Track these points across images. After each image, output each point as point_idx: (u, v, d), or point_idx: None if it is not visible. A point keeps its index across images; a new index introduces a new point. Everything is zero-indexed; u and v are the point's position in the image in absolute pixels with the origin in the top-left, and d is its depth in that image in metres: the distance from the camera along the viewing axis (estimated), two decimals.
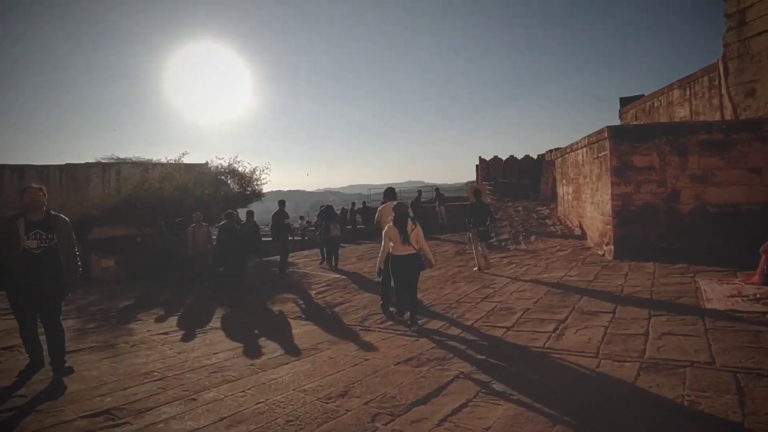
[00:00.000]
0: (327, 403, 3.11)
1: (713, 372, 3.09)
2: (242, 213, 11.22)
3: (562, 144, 13.10)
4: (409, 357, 3.99)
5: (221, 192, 14.07)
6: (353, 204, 20.07)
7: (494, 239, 10.37)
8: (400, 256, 4.90)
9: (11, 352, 4.65)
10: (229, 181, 15.11)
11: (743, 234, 6.82)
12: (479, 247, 8.11)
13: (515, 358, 3.75)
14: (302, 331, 5.45)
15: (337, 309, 6.47)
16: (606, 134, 7.98)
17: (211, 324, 6.15)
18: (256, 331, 5.71)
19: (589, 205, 9.43)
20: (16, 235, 3.67)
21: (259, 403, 3.18)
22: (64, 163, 18.73)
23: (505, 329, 4.55)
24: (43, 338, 3.94)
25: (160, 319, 6.59)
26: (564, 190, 12.58)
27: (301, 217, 22.03)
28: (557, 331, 4.28)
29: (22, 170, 17.72)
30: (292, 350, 4.61)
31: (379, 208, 6.14)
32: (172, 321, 6.48)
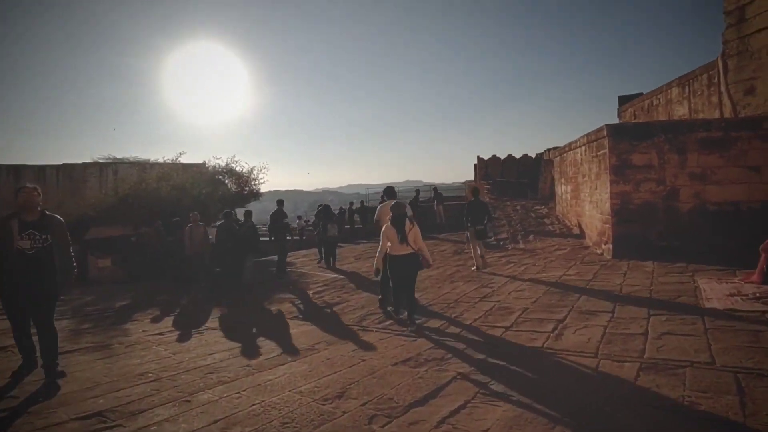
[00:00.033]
0: (323, 404, 3.07)
1: (713, 372, 3.05)
2: (240, 213, 11.17)
3: (561, 143, 13.07)
4: (407, 357, 3.95)
5: (219, 192, 14.01)
6: (351, 203, 20.03)
7: (492, 238, 10.34)
8: (397, 256, 4.86)
9: (5, 353, 4.61)
10: (226, 181, 15.04)
11: (743, 232, 6.80)
12: (477, 247, 8.08)
13: (514, 358, 3.71)
14: (299, 332, 5.41)
15: (334, 309, 6.43)
16: (605, 132, 7.95)
17: (207, 324, 6.11)
18: (253, 331, 5.67)
19: (588, 203, 9.40)
20: (9, 236, 3.64)
21: (254, 404, 3.14)
22: (61, 163, 18.64)
23: (504, 329, 4.51)
24: (36, 339, 3.90)
25: (155, 320, 6.54)
26: (562, 189, 12.55)
27: (299, 217, 21.97)
28: (556, 331, 4.25)
29: (18, 170, 17.64)
30: (289, 351, 4.57)
31: (379, 207, 6.10)
32: (168, 321, 6.44)
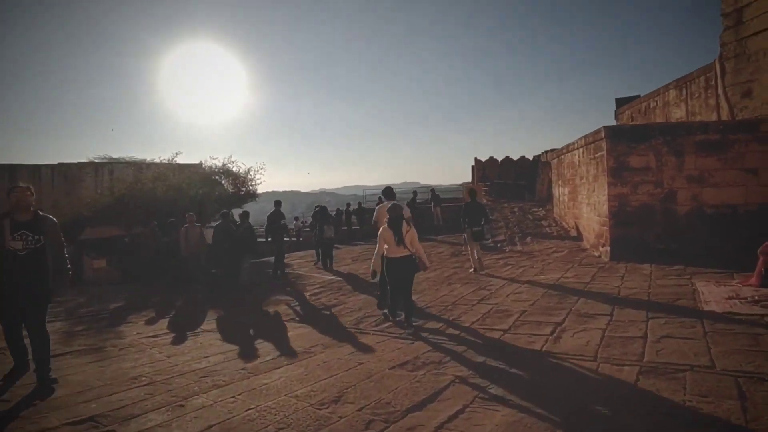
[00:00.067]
0: (320, 409, 3.02)
1: (714, 376, 3.03)
2: (236, 213, 11.10)
3: (558, 145, 13.08)
4: (404, 361, 3.91)
5: (215, 192, 13.94)
6: (348, 205, 19.97)
7: (490, 240, 10.32)
8: (394, 258, 4.83)
9: None
10: (223, 182, 14.98)
11: (740, 235, 6.80)
12: (475, 249, 8.05)
13: (513, 361, 3.68)
14: (296, 334, 5.36)
15: (331, 311, 6.38)
16: (603, 134, 7.94)
17: (202, 326, 6.05)
18: (250, 334, 5.62)
19: (586, 206, 9.39)
20: (0, 236, 3.57)
21: (249, 409, 3.09)
22: (57, 162, 18.49)
23: (502, 332, 4.48)
24: (28, 342, 3.83)
25: (150, 322, 6.48)
26: (560, 191, 12.54)
27: (296, 218, 21.89)
28: (555, 334, 4.22)
29: (13, 169, 17.47)
30: (285, 353, 4.51)
31: (377, 208, 6.09)
32: (163, 323, 6.37)
